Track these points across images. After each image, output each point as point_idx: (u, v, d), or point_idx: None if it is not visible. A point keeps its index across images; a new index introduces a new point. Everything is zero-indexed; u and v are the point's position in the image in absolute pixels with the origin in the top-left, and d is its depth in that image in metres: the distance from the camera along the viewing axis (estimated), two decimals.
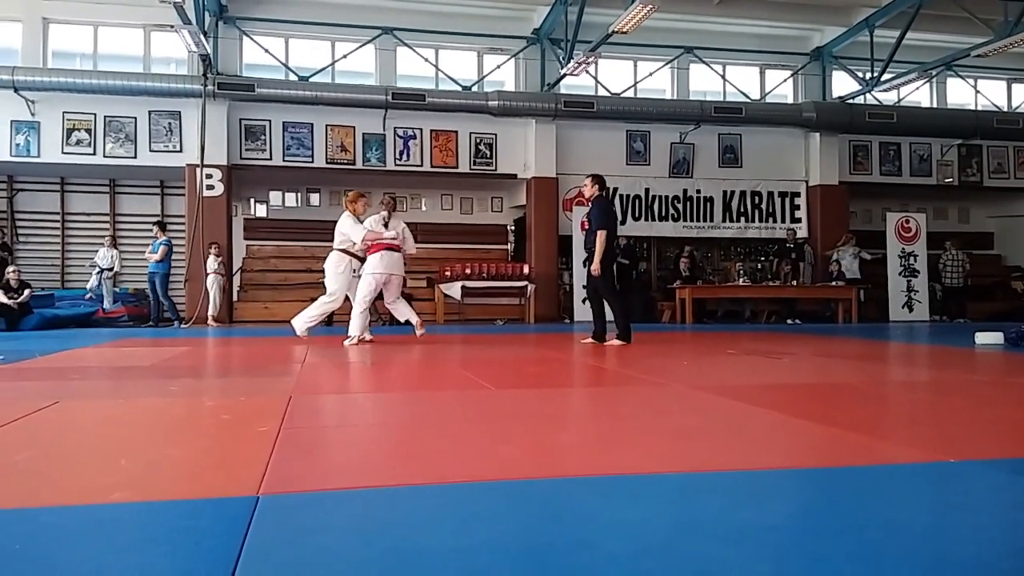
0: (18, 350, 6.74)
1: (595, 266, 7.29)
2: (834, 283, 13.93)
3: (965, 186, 16.32)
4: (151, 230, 12.54)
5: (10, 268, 11.72)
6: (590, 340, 7.45)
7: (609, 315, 7.55)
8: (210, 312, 12.60)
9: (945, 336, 9.50)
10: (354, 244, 7.56)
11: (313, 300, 8.09)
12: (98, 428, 2.95)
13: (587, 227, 7.53)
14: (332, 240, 7.80)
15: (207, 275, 12.66)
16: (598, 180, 7.59)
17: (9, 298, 11.00)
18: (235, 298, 13.88)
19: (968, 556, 1.47)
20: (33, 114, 12.73)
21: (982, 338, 7.61)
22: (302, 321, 7.72)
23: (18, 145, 12.75)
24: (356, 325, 7.53)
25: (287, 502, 1.82)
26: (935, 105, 16.40)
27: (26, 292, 11.26)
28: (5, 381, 4.54)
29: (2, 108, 12.59)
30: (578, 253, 12.19)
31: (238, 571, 1.34)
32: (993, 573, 1.39)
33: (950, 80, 16.32)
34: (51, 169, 13.48)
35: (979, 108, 16.35)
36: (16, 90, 12.37)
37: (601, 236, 7.25)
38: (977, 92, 16.54)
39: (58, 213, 14.20)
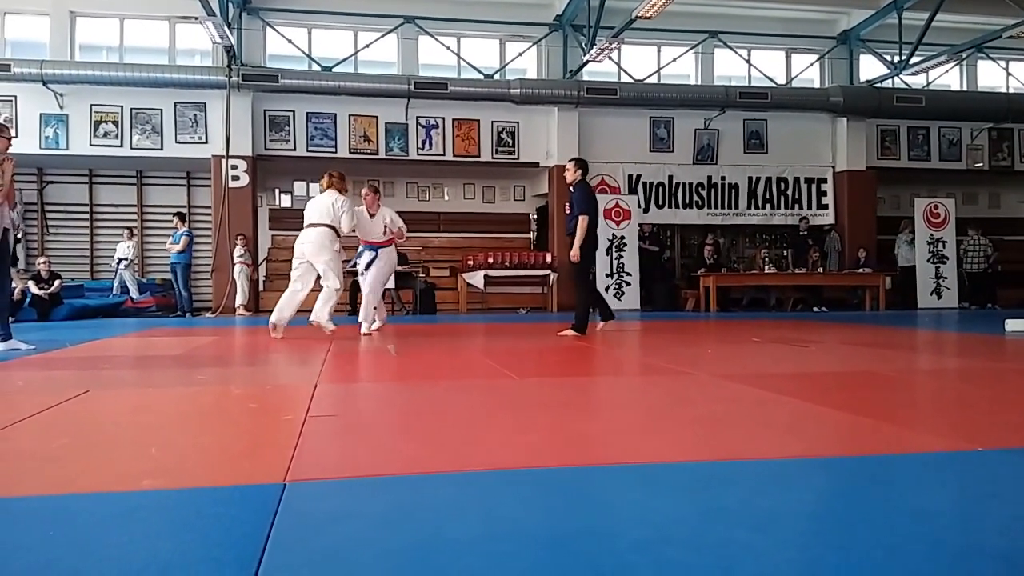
0: (49, 340, 6.85)
1: (574, 252, 7.08)
2: (860, 270, 13.79)
3: (996, 171, 16.02)
4: (172, 221, 12.69)
5: (40, 259, 11.92)
6: (601, 325, 7.45)
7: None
8: (239, 302, 12.72)
9: (974, 323, 9.36)
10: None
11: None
12: (128, 417, 2.99)
13: (569, 211, 7.32)
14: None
15: (233, 265, 12.78)
16: (581, 164, 7.34)
17: (40, 289, 11.19)
18: (261, 288, 14.01)
19: (998, 547, 1.45)
20: (61, 107, 12.89)
21: (1012, 325, 7.49)
22: (326, 319, 6.87)
23: (47, 138, 12.93)
24: (380, 314, 7.63)
25: (313, 489, 1.84)
26: (965, 88, 16.09)
27: (56, 283, 11.45)
28: (37, 370, 4.63)
29: (31, 101, 12.78)
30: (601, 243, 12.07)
31: (266, 556, 1.35)
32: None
33: (981, 63, 15.99)
34: (79, 161, 13.65)
35: (1011, 91, 16.01)
36: (45, 83, 12.54)
37: (583, 221, 7.02)
38: (1009, 75, 16.20)
39: (87, 205, 14.38)
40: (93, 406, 3.18)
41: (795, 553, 1.42)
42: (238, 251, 12.81)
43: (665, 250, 14.83)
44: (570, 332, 7.12)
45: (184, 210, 13.86)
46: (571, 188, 7.41)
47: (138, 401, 3.39)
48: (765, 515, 1.63)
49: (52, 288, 11.31)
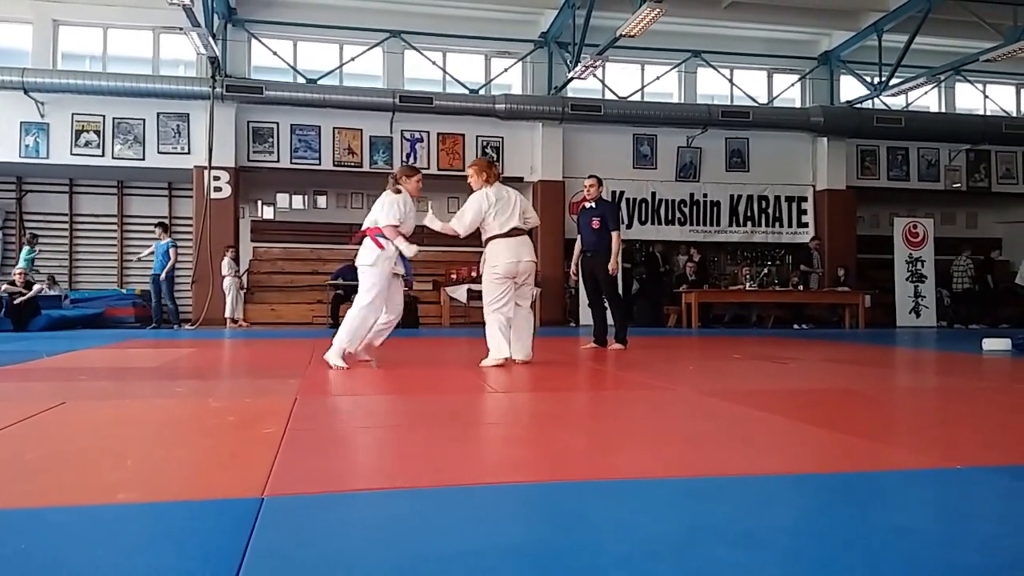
0: (25, 351, 6.76)
1: (613, 264, 7.27)
2: (840, 288, 13.91)
3: (973, 191, 16.26)
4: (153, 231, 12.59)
5: (18, 267, 11.71)
6: (592, 344, 7.45)
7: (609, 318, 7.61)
8: (230, 313, 12.63)
9: (952, 342, 9.46)
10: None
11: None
12: (104, 428, 2.95)
13: (598, 227, 7.38)
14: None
15: (223, 278, 12.68)
16: (601, 181, 7.68)
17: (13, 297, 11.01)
18: (242, 300, 13.91)
19: (976, 563, 1.46)
20: (42, 115, 12.78)
21: (989, 344, 7.56)
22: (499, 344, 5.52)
23: (27, 146, 12.81)
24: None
25: (291, 504, 1.82)
26: (943, 110, 16.33)
27: (36, 287, 11.25)
28: (13, 381, 4.56)
29: (12, 109, 12.66)
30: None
31: (242, 572, 1.33)
32: None
33: (959, 85, 16.25)
34: (60, 170, 13.52)
35: (988, 113, 16.27)
36: (26, 91, 12.43)
37: (617, 236, 7.29)
38: (986, 97, 16.46)
39: (66, 214, 14.25)
40: (69, 418, 3.14)
41: (777, 570, 1.42)
42: (228, 263, 12.70)
43: (655, 267, 14.74)
44: (617, 346, 7.32)
45: (161, 220, 13.75)
46: (591, 204, 7.53)
47: (115, 413, 3.34)
48: (747, 531, 1.62)
49: (29, 294, 11.08)
